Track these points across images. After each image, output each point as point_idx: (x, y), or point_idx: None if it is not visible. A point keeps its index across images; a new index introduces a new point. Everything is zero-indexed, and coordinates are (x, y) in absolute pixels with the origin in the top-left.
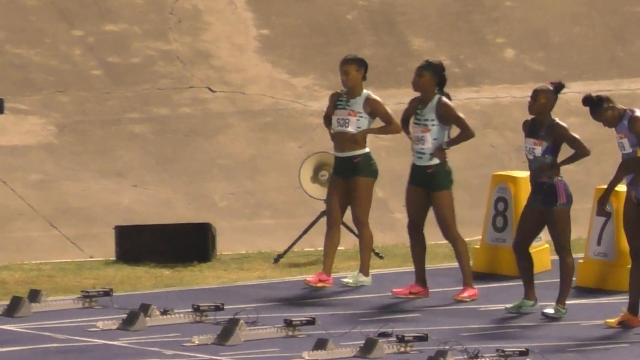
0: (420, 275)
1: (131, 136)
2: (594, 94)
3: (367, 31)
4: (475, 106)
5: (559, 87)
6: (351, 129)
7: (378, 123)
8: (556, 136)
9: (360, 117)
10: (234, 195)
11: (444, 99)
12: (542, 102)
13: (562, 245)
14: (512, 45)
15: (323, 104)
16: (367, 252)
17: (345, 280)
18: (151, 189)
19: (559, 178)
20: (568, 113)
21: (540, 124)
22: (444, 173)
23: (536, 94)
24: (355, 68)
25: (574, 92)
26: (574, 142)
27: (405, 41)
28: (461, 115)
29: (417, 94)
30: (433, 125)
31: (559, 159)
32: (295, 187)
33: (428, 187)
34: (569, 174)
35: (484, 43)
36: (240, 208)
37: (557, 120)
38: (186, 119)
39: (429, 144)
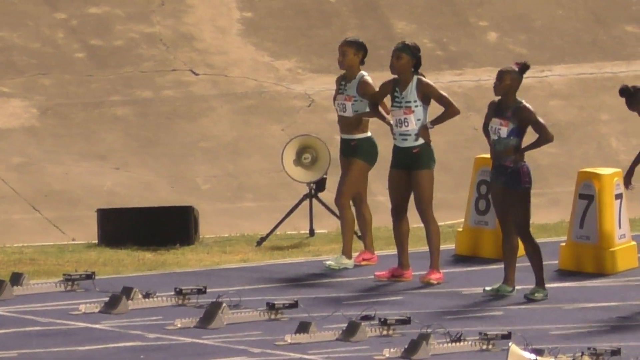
0: (403, 258)
1: (114, 119)
2: (629, 85)
3: (350, 14)
4: (457, 89)
5: (523, 67)
6: (348, 113)
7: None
8: (522, 118)
9: (355, 101)
10: (217, 178)
11: (423, 78)
12: (507, 83)
13: (522, 228)
14: (495, 28)
15: (306, 86)
16: (349, 234)
17: (328, 262)
18: (133, 171)
19: (523, 162)
20: (550, 96)
21: (506, 104)
22: (428, 152)
23: (501, 74)
24: (353, 51)
25: (556, 75)
26: (538, 127)
27: (388, 24)
28: (443, 93)
29: (388, 78)
30: (417, 106)
31: (524, 143)
32: (278, 170)
33: (411, 167)
34: (551, 156)
35: (466, 26)
36: (223, 191)
37: (524, 102)
38: (169, 101)
39: (413, 125)
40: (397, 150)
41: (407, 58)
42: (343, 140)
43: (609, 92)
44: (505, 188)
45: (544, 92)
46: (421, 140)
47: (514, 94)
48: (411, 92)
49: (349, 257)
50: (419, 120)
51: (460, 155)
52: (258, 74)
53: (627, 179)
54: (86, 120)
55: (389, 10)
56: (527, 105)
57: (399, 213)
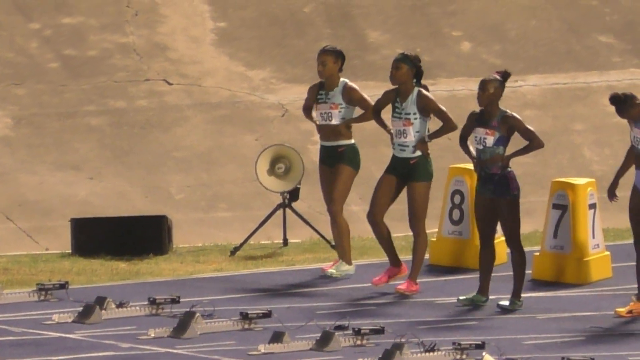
0: (392, 257)
1: (88, 129)
2: (620, 92)
3: (324, 24)
4: None
5: (505, 75)
6: (335, 121)
7: (360, 112)
8: (509, 127)
9: (342, 108)
10: (190, 187)
11: (424, 91)
12: (491, 92)
13: (514, 237)
14: (468, 38)
15: (280, 96)
16: (345, 241)
17: (330, 271)
18: (107, 181)
19: (509, 169)
20: (524, 105)
21: (490, 114)
22: (425, 165)
23: (484, 84)
24: (332, 60)
25: (529, 84)
26: (528, 134)
27: (362, 34)
28: (442, 107)
29: (390, 86)
30: (415, 118)
31: (509, 150)
32: (251, 180)
33: (408, 177)
34: (525, 166)
35: (440, 36)
36: (197, 200)
37: (509, 111)
38: (143, 111)
39: (411, 137)
40: (395, 159)
41: (406, 68)
42: (326, 148)
43: (583, 102)
44: (494, 197)
45: (517, 102)
46: (419, 152)
47: (497, 102)
48: (411, 105)
49: (349, 263)
50: (417, 132)
51: (434, 165)
52: (232, 83)
53: (611, 192)
54: (60, 130)
55: (363, 20)
56: (513, 113)
57: (373, 217)
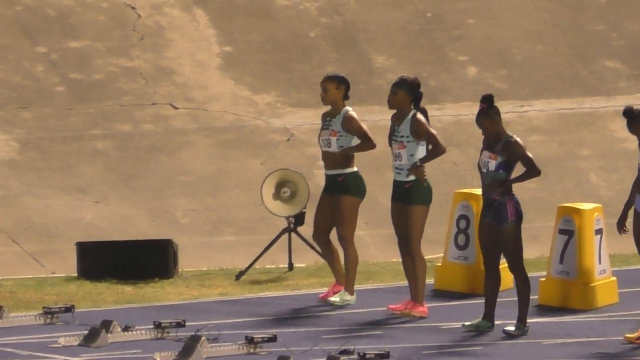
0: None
1: (93, 152)
2: (635, 107)
3: (329, 48)
4: (437, 124)
5: (488, 99)
6: (333, 149)
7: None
8: (511, 153)
9: (340, 136)
10: (196, 211)
11: (418, 115)
12: (489, 124)
13: (514, 263)
14: (474, 62)
15: (285, 121)
16: (352, 270)
17: (332, 299)
18: (113, 205)
19: (511, 196)
20: (530, 131)
21: (496, 139)
22: (421, 189)
23: (480, 123)
24: (334, 86)
25: (536, 110)
26: (526, 161)
27: (368, 58)
28: (433, 131)
29: (394, 112)
30: (408, 141)
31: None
32: (257, 204)
33: (405, 201)
34: (531, 191)
35: (446, 61)
36: (202, 224)
37: (515, 137)
38: (148, 135)
39: (405, 160)
40: (394, 183)
41: (403, 94)
42: (328, 177)
43: (589, 128)
44: (493, 223)
45: (523, 127)
46: (412, 176)
47: (501, 128)
48: (405, 128)
49: (352, 293)
50: (411, 155)
51: (439, 189)
52: (237, 108)
53: (621, 224)
54: (66, 154)
55: (368, 44)
56: (518, 139)
57: (404, 246)
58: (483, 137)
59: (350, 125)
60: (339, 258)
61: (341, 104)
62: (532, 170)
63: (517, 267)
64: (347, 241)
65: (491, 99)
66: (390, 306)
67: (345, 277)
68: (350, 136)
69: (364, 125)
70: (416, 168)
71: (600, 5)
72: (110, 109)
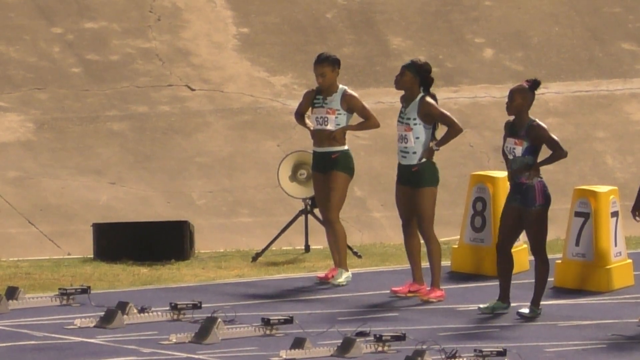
0: (417, 274)
1: (110, 134)
2: None
3: (347, 30)
4: (453, 106)
5: (534, 84)
6: (330, 126)
7: (357, 119)
8: (535, 137)
9: (339, 114)
10: (212, 193)
11: (427, 97)
12: (519, 101)
13: (538, 246)
14: (491, 44)
15: None
16: (343, 247)
17: (338, 281)
18: (129, 186)
19: (539, 179)
20: (546, 113)
21: (519, 124)
22: (428, 171)
23: (512, 94)
24: (330, 69)
25: (552, 92)
26: (551, 143)
27: (384, 40)
28: (446, 112)
29: (402, 93)
30: (415, 124)
31: (539, 159)
32: (273, 186)
33: (413, 184)
34: (547, 173)
35: (463, 42)
36: (219, 206)
37: (537, 120)
38: (165, 116)
39: (411, 143)
40: (399, 166)
41: (410, 76)
42: (319, 154)
43: (605, 110)
44: (521, 207)
45: (540, 110)
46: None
47: (527, 112)
48: (412, 110)
49: (346, 269)
50: (417, 138)
51: (456, 172)
52: (254, 89)
53: (636, 210)
54: (82, 135)
55: (385, 26)
56: (540, 123)
57: (408, 228)
58: (505, 123)
59: (353, 104)
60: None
61: (335, 83)
62: (559, 152)
63: (540, 250)
64: (333, 217)
65: (537, 84)
66: (393, 288)
67: (339, 255)
68: (348, 115)
69: (366, 104)
70: (431, 152)
71: None
72: (127, 90)
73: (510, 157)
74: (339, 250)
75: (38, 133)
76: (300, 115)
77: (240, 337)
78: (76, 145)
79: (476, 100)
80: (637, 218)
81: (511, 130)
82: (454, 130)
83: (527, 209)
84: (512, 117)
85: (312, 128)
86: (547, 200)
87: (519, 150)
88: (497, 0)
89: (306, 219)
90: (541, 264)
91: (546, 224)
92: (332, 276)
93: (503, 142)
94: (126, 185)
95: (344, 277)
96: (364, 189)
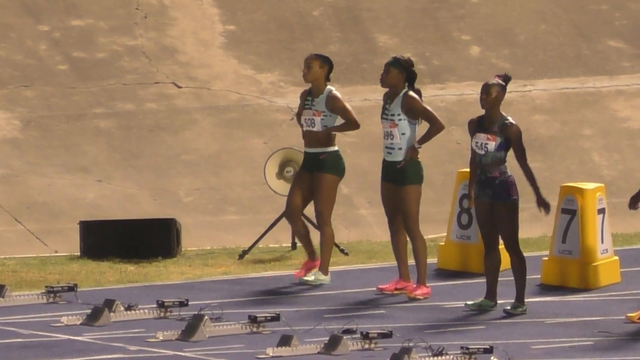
0: (403, 271)
1: (96, 131)
2: None
3: (333, 27)
4: (440, 103)
5: (506, 79)
6: (317, 128)
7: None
8: (507, 136)
9: (325, 116)
10: (199, 190)
11: (410, 92)
12: (494, 95)
13: (512, 241)
14: (477, 42)
15: (289, 100)
16: (327, 250)
17: (306, 278)
18: (116, 184)
19: (509, 174)
20: (533, 110)
21: (492, 119)
22: (413, 168)
23: (489, 88)
24: (318, 64)
25: (539, 89)
26: (518, 151)
27: (371, 38)
28: (429, 108)
29: (387, 90)
30: (400, 120)
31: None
32: (260, 183)
33: (397, 181)
34: (533, 170)
35: (449, 40)
36: (205, 204)
37: (511, 119)
38: (151, 114)
39: (397, 139)
40: (384, 163)
41: (396, 72)
42: (309, 155)
43: (592, 107)
44: (493, 202)
45: (526, 107)
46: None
47: (499, 107)
48: (397, 106)
49: (326, 273)
50: (403, 134)
51: (442, 169)
52: (240, 87)
53: (635, 200)
54: (69, 133)
55: (372, 24)
56: (513, 122)
57: (394, 225)
58: (469, 121)
59: (334, 105)
60: (309, 234)
61: (323, 84)
62: (522, 162)
63: (514, 245)
64: (324, 219)
65: (509, 79)
66: (380, 286)
67: (321, 257)
68: (334, 116)
69: (348, 105)
70: (414, 150)
71: None
72: (113, 88)
73: (482, 152)
74: (323, 252)
75: (24, 131)
76: (298, 117)
77: (227, 334)
78: (63, 142)
79: (463, 98)
80: (633, 208)
81: (480, 126)
82: (435, 128)
83: (500, 204)
84: (476, 116)
85: (303, 129)
86: (518, 195)
87: (492, 146)
88: None
89: None
90: (517, 260)
91: (518, 219)
92: (307, 270)
93: (471, 139)
94: (113, 182)
95: (317, 277)
96: (350, 187)
